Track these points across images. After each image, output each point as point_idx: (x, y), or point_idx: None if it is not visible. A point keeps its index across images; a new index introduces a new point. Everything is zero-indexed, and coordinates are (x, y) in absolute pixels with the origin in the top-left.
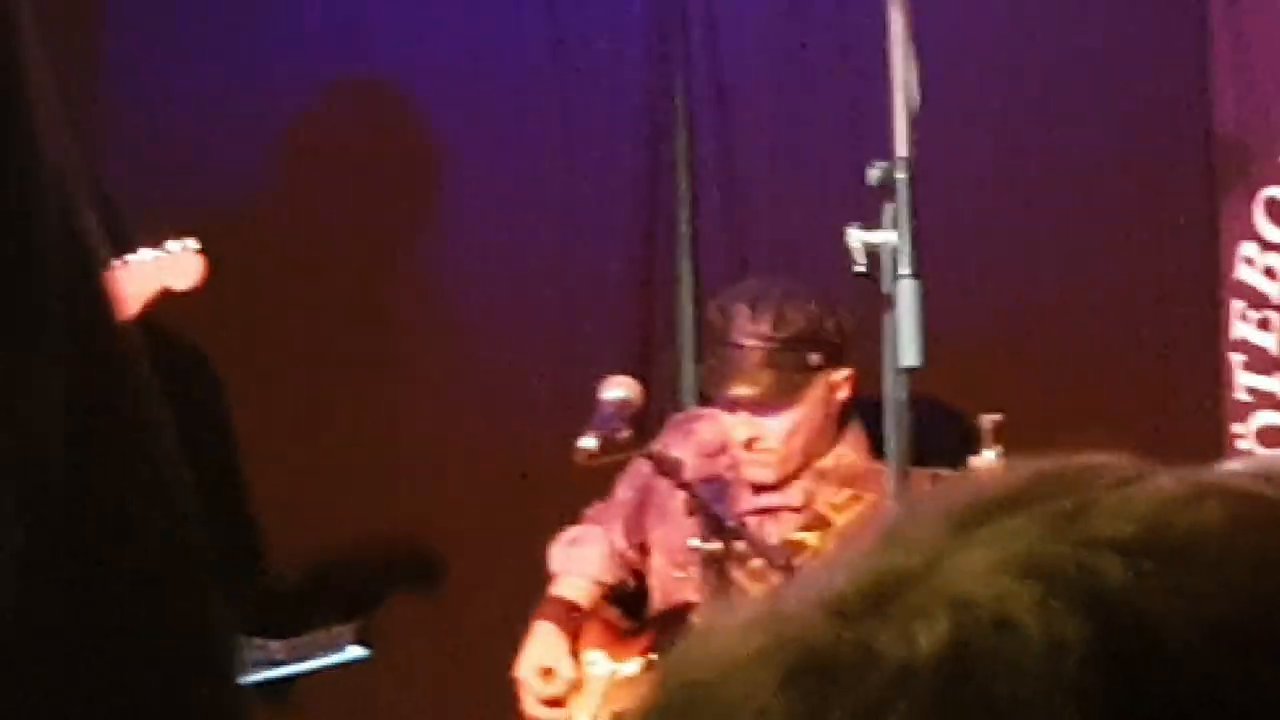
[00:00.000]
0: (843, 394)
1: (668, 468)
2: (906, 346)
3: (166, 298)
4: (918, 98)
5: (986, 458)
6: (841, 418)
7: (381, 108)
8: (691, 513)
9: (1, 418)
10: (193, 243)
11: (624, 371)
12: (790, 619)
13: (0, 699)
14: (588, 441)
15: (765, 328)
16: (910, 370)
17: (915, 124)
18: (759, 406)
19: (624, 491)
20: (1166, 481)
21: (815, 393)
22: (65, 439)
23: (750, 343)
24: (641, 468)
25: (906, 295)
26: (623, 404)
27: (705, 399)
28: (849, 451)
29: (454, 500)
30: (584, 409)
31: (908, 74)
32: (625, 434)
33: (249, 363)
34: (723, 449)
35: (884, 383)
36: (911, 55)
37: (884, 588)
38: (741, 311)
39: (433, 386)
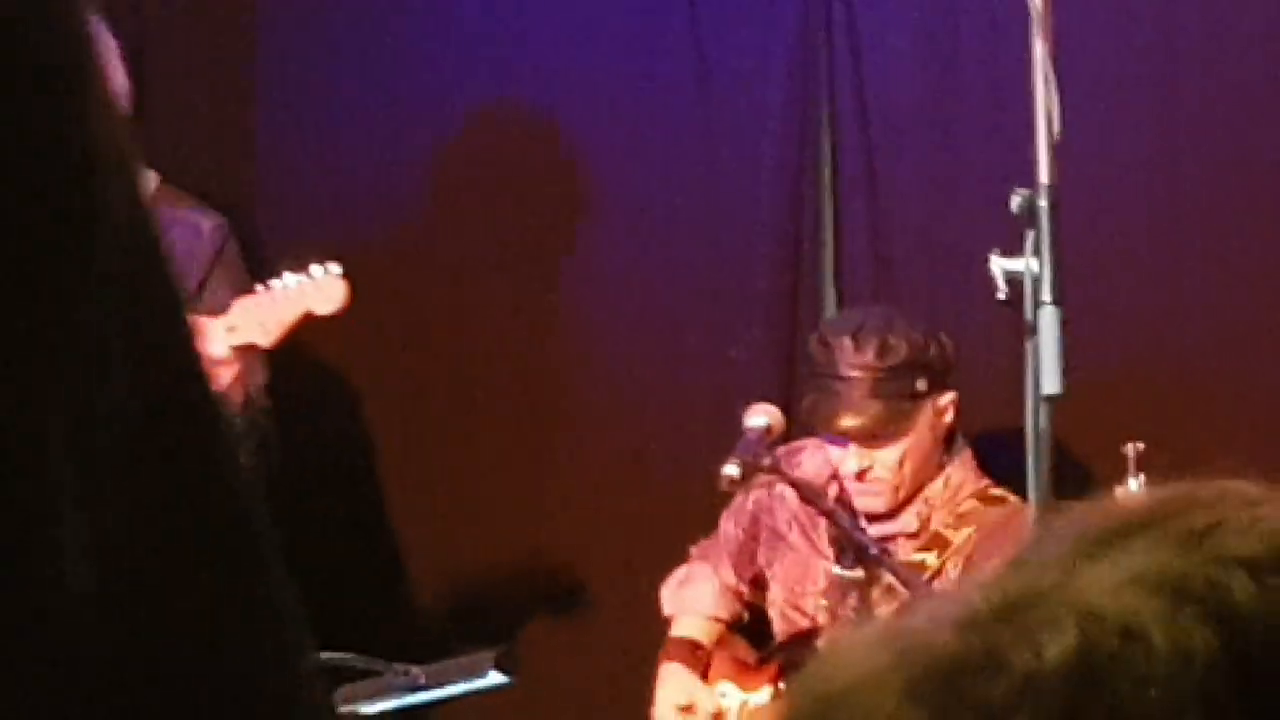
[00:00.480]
0: (948, 418)
1: (811, 495)
2: (1048, 374)
3: (310, 322)
4: (1059, 125)
5: (1130, 487)
6: (948, 441)
7: (527, 134)
8: (834, 540)
9: (70, 448)
10: (336, 267)
11: (769, 398)
12: (917, 633)
13: None
14: (731, 469)
15: (870, 357)
16: (1052, 398)
17: (1057, 151)
18: (869, 437)
19: (729, 527)
20: None
21: (923, 419)
22: (131, 465)
23: (855, 373)
24: (745, 503)
25: (1048, 323)
26: (765, 431)
27: (807, 431)
28: (959, 473)
29: (598, 526)
30: (729, 435)
31: (1050, 101)
32: (768, 461)
33: (394, 388)
34: (830, 481)
35: (1025, 411)
36: (1053, 82)
37: (1014, 603)
38: (844, 343)
39: (578, 412)
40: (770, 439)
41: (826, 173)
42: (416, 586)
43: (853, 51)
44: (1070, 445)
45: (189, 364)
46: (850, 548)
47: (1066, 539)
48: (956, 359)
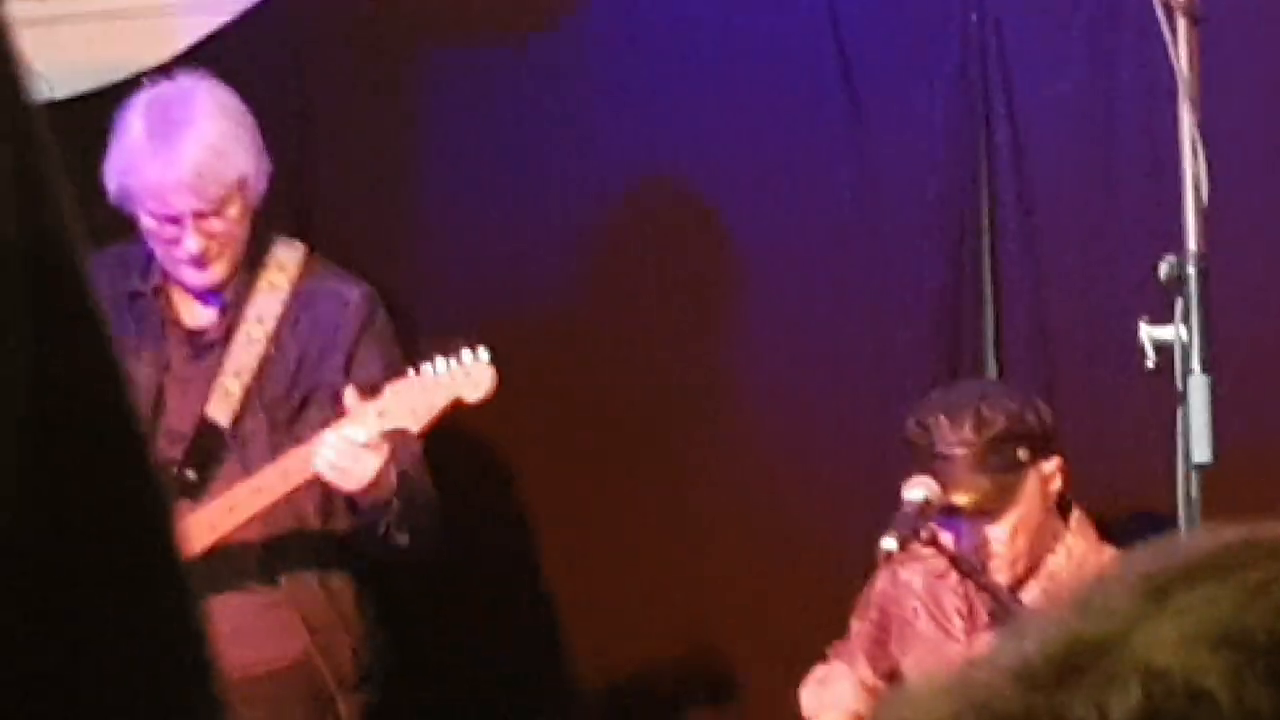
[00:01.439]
0: (1056, 485)
1: (969, 568)
2: (1198, 443)
3: (458, 408)
4: (1208, 192)
5: None
6: (1061, 508)
7: (681, 205)
8: (992, 614)
9: None
10: (484, 353)
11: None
12: (981, 686)
13: None
14: (889, 542)
15: (968, 433)
16: (1202, 467)
17: (1207, 218)
18: (979, 513)
19: (859, 625)
20: None
21: (1030, 487)
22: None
23: (956, 451)
24: (871, 596)
25: (1197, 391)
26: (924, 504)
27: None
28: (1079, 544)
29: (754, 607)
30: (888, 509)
31: (1198, 168)
32: (926, 534)
33: (547, 466)
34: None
35: (1176, 481)
36: (1202, 149)
37: (1076, 657)
38: (940, 421)
39: (734, 489)
40: (929, 512)
41: (985, 238)
42: (570, 667)
43: (1009, 124)
44: (1220, 515)
45: (102, 365)
46: (1007, 620)
47: (1125, 586)
48: (1101, 427)
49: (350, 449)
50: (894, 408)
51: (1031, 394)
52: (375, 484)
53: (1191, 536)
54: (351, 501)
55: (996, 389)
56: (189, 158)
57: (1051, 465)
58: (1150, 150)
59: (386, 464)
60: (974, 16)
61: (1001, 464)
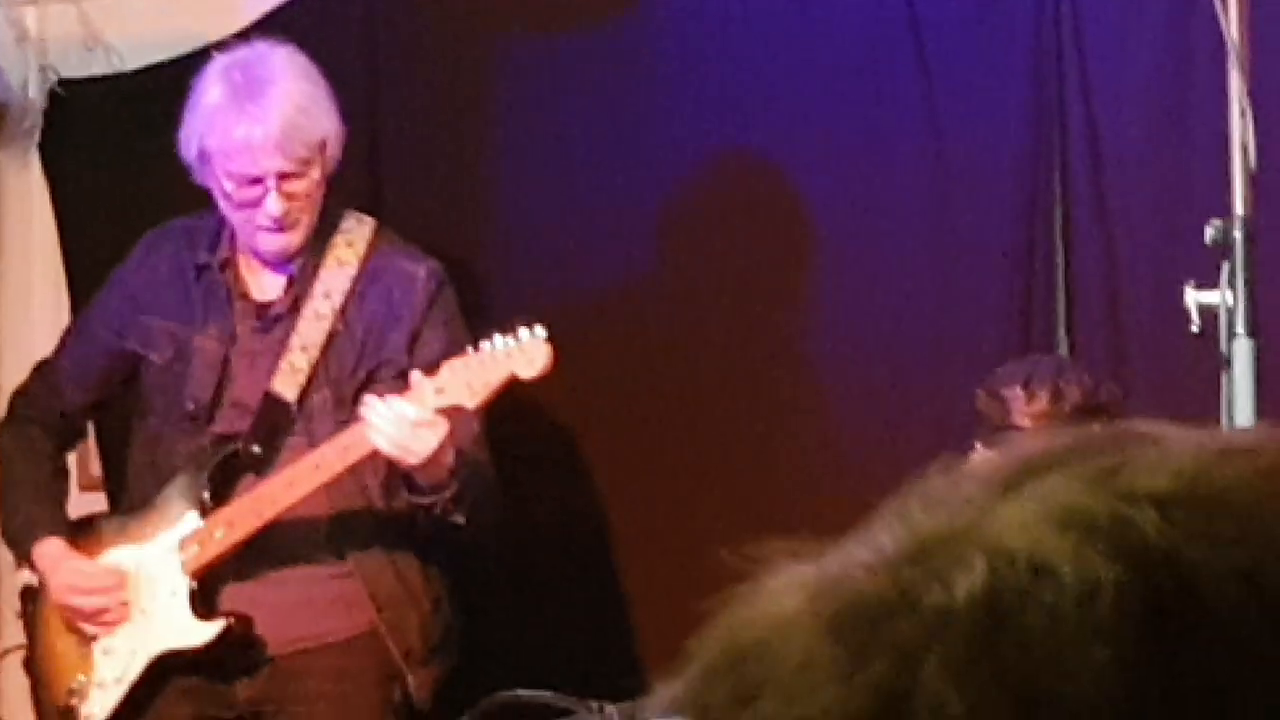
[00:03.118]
0: None
1: None
2: (1241, 406)
3: (514, 384)
4: (1255, 157)
5: None
6: None
7: (758, 186)
8: None
9: None
10: (541, 330)
11: None
12: (830, 576)
13: None
14: None
15: (1043, 405)
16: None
17: (1253, 183)
18: None
19: None
20: (1199, 439)
21: None
22: None
23: (1030, 423)
24: None
25: (1242, 355)
26: None
27: None
28: None
29: None
30: None
31: (1245, 133)
32: None
33: (620, 438)
34: None
35: None
36: (1250, 114)
37: (926, 542)
38: (1015, 393)
39: (805, 468)
40: None
41: (1058, 215)
42: (635, 643)
43: (1084, 98)
44: None
45: None
46: None
47: (975, 481)
48: (1167, 405)
49: (401, 423)
50: (966, 384)
51: (1101, 372)
52: (433, 461)
53: (1044, 435)
54: (409, 479)
55: (1071, 364)
56: (277, 115)
57: None
58: (1225, 126)
59: (445, 443)
60: None
61: None
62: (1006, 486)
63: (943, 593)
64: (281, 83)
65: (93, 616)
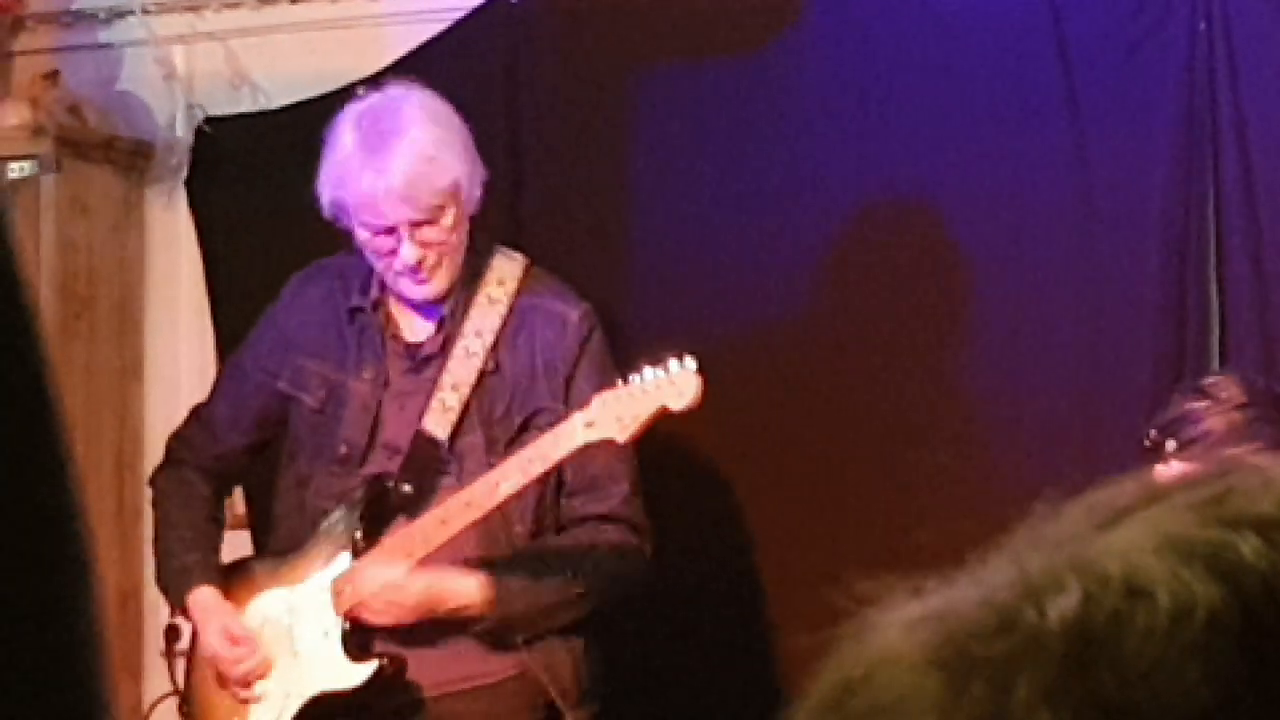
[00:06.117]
0: None
1: None
2: None
3: (664, 417)
4: None
5: None
6: None
7: (908, 231)
8: None
9: None
10: (692, 362)
11: None
12: (937, 610)
13: None
14: None
15: (1237, 398)
16: None
17: None
18: None
19: None
20: None
21: None
22: None
23: (1217, 425)
24: None
25: None
26: None
27: None
28: None
29: None
30: None
31: None
32: None
33: (767, 480)
34: None
35: None
36: None
37: (1027, 574)
38: (1198, 405)
39: (955, 502)
40: None
41: (1211, 247)
42: (788, 684)
43: (1238, 129)
44: None
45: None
46: None
47: (1082, 515)
48: None
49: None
50: (1120, 417)
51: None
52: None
53: (1148, 475)
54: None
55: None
56: (399, 167)
57: None
58: None
59: (440, 595)
60: (1202, 25)
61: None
62: (1111, 519)
63: (1036, 616)
64: (408, 131)
65: (237, 681)
